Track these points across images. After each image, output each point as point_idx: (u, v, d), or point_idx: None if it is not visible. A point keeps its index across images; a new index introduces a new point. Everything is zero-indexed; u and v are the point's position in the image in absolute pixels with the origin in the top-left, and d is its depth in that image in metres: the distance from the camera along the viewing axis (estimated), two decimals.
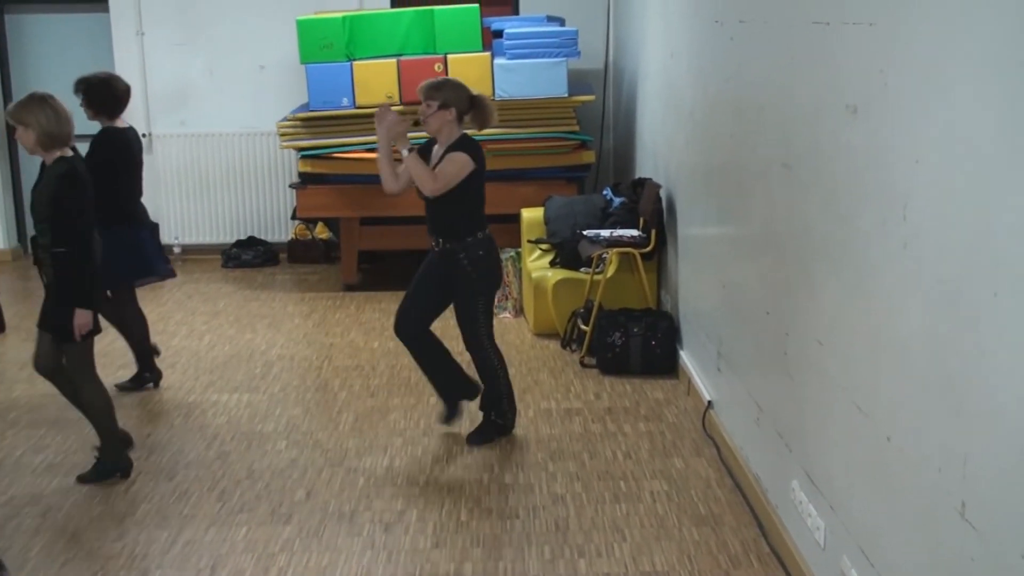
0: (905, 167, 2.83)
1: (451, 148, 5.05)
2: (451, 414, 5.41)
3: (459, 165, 4.99)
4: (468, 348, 5.26)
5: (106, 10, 9.61)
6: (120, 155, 6.03)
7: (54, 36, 9.84)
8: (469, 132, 5.18)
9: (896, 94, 2.90)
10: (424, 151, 5.19)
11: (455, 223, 5.12)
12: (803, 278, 3.75)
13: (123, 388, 6.12)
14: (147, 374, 6.21)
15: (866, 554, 3.18)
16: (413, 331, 5.28)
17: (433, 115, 5.03)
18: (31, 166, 10.01)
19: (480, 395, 5.35)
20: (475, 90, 5.18)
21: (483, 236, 5.14)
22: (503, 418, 5.32)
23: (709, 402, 5.37)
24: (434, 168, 5.04)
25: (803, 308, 3.76)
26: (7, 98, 9.86)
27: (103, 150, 6.03)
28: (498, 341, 6.78)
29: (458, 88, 5.10)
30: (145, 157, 9.65)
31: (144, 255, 6.10)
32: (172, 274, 6.41)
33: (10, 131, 9.82)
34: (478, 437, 5.28)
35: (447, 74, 7.84)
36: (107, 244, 5.48)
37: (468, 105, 5.11)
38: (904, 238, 2.84)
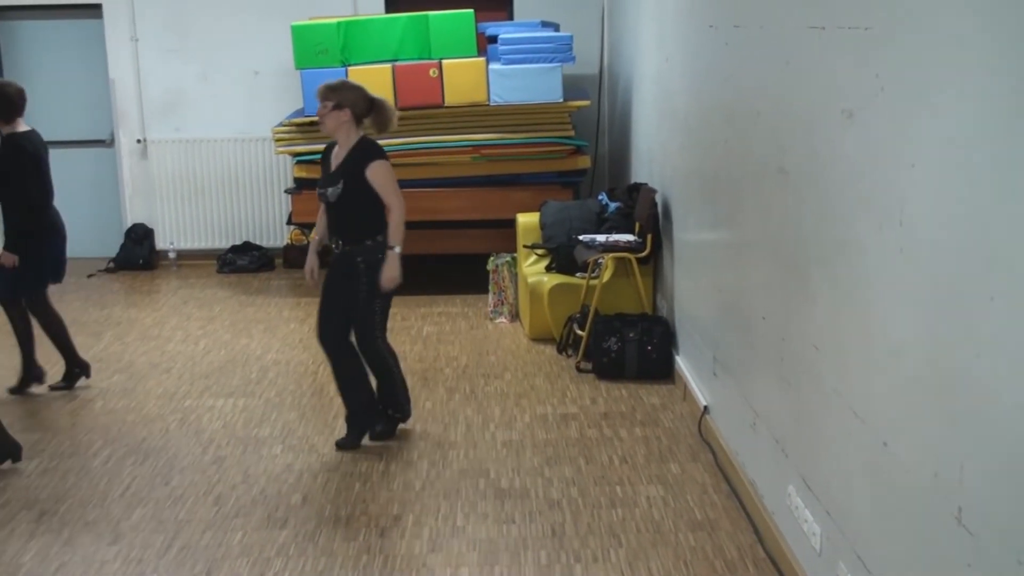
0: (901, 172, 2.84)
1: (356, 153, 5.08)
2: (349, 442, 5.31)
3: (388, 173, 5.10)
4: (360, 348, 5.25)
5: (100, 16, 9.61)
6: (31, 161, 5.92)
7: (48, 43, 9.83)
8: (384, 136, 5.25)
9: (892, 98, 2.90)
10: (327, 152, 5.26)
11: (357, 225, 5.12)
12: (799, 283, 3.75)
13: (57, 388, 6.22)
14: (76, 370, 6.29)
15: (862, 560, 3.18)
16: (335, 338, 5.24)
17: (328, 115, 5.08)
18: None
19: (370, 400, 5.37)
20: (376, 94, 5.20)
21: (383, 239, 5.13)
22: (401, 411, 5.43)
23: (705, 407, 5.37)
24: (336, 169, 5.09)
25: (799, 313, 3.77)
26: None
27: (10, 159, 5.89)
28: (494, 346, 6.80)
29: (355, 90, 5.13)
30: (140, 162, 9.79)
31: (62, 261, 6.22)
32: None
33: None
34: (381, 434, 5.35)
35: (442, 80, 7.86)
36: (30, 254, 5.61)
37: (366, 108, 5.14)
38: (900, 243, 2.84)
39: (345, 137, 5.11)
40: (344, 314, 5.23)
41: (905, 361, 2.84)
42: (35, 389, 6.20)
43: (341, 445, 5.27)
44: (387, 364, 5.33)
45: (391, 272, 5.10)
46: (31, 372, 6.21)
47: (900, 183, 2.85)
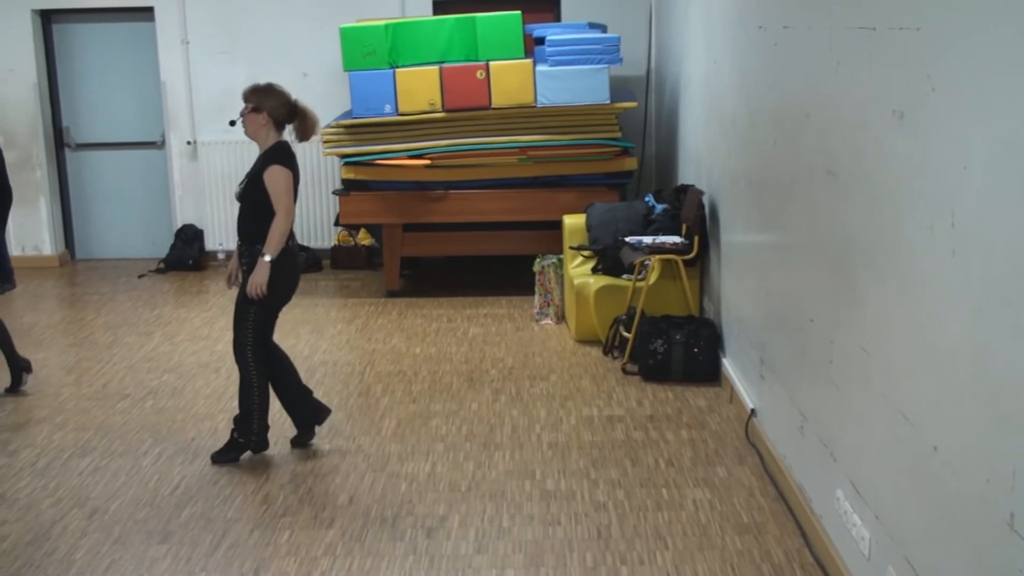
0: (953, 173, 2.81)
1: (265, 156, 5.05)
2: (300, 439, 5.38)
3: (279, 180, 4.96)
4: (234, 353, 5.17)
5: (152, 19, 9.73)
6: None
7: (101, 45, 9.97)
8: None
9: (944, 99, 2.87)
10: None
11: (250, 227, 5.07)
12: (848, 286, 3.72)
13: (10, 392, 6.28)
14: (22, 371, 6.36)
15: (912, 565, 3.15)
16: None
17: (247, 116, 5.08)
18: (79, 174, 10.15)
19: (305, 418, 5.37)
20: (299, 101, 5.17)
21: (287, 244, 5.05)
22: (247, 438, 5.18)
23: (752, 410, 5.34)
24: (254, 174, 5.05)
25: (848, 316, 3.73)
26: (55, 106, 10.00)
27: None
28: (540, 348, 6.80)
29: (277, 95, 5.11)
30: (190, 164, 9.90)
31: (8, 263, 6.34)
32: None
33: (58, 140, 9.97)
34: (220, 456, 5.22)
35: (489, 81, 7.87)
36: None
37: (286, 114, 5.11)
38: (952, 245, 2.81)
39: (263, 140, 5.08)
40: None
41: (956, 364, 2.81)
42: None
43: (214, 459, 5.22)
44: (250, 381, 5.13)
45: (257, 278, 4.94)
46: (17, 366, 6.30)
47: (952, 185, 2.81)
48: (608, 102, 7.89)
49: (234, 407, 5.95)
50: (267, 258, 4.95)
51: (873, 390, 3.47)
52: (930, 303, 2.99)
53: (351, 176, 8.17)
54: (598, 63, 7.84)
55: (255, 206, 5.02)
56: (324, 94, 9.31)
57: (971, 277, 2.71)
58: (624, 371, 6.41)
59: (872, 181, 3.46)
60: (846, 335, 3.76)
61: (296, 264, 5.17)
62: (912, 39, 3.08)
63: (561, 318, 7.61)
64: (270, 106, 5.06)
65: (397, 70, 7.98)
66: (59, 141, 10.04)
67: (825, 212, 4.00)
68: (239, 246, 5.13)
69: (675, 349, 6.17)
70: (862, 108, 3.56)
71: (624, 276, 6.92)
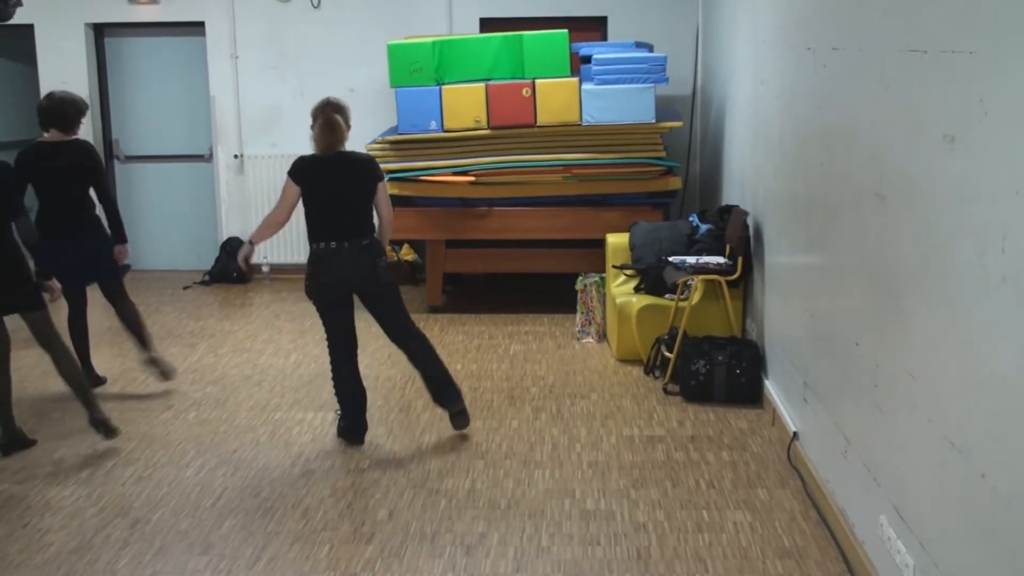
0: (1005, 198, 2.78)
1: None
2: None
3: (284, 186, 5.45)
4: None
5: (202, 34, 9.84)
6: None
7: (152, 59, 10.09)
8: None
9: (996, 124, 2.84)
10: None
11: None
12: (895, 310, 3.68)
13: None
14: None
15: None
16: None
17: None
18: (128, 185, 10.27)
19: None
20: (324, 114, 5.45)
21: (312, 248, 5.47)
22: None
23: (795, 433, 5.29)
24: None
25: (894, 340, 3.70)
26: (105, 119, 10.13)
27: None
28: (581, 366, 6.79)
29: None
30: (236, 177, 9.98)
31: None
32: None
33: (108, 152, 10.10)
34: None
35: (535, 99, 7.88)
36: None
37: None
38: (1003, 271, 2.78)
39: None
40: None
41: (1005, 391, 2.78)
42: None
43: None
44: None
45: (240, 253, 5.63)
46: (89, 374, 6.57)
47: (1003, 210, 2.78)
48: (653, 121, 7.88)
49: (277, 419, 5.99)
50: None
51: (919, 415, 3.43)
52: (979, 329, 2.95)
53: (396, 192, 8.20)
54: (644, 82, 7.84)
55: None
56: (370, 110, 9.37)
57: (1022, 303, 2.68)
58: (665, 391, 6.39)
59: (921, 205, 3.43)
60: (892, 359, 3.72)
61: (327, 266, 5.43)
62: (965, 62, 3.06)
63: (603, 337, 7.59)
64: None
65: (443, 87, 8.02)
66: (109, 153, 10.17)
67: (872, 235, 3.97)
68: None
69: (717, 370, 6.13)
70: (912, 131, 3.53)
71: (667, 296, 6.90)
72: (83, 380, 5.72)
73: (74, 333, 6.52)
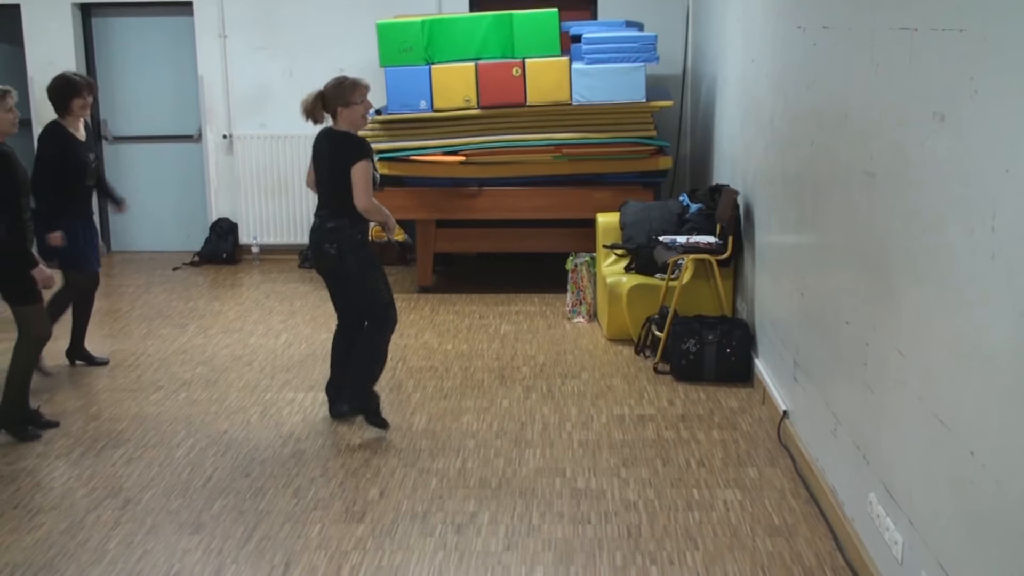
0: (995, 176, 2.78)
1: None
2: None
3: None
4: None
5: (190, 14, 9.79)
6: None
7: (140, 39, 10.04)
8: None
9: (986, 102, 2.84)
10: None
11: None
12: (885, 288, 3.69)
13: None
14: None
15: (946, 570, 3.12)
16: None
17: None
18: (116, 166, 10.22)
19: None
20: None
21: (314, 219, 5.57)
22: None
23: (784, 411, 5.31)
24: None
25: (884, 318, 3.71)
26: (93, 100, 10.05)
27: None
28: (572, 346, 6.80)
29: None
30: (225, 158, 9.95)
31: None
32: None
33: (96, 132, 10.04)
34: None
35: (525, 79, 7.86)
36: None
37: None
38: (992, 248, 2.78)
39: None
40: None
41: (995, 369, 2.78)
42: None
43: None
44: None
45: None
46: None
47: (993, 188, 2.79)
48: (644, 100, 7.87)
49: (267, 399, 5.99)
50: None
51: (909, 393, 3.44)
52: (969, 307, 2.96)
53: (385, 172, 8.18)
54: (634, 61, 7.82)
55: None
56: None
57: (1012, 281, 2.68)
58: (656, 370, 6.39)
59: (911, 183, 3.43)
60: (882, 338, 3.73)
61: (310, 239, 5.59)
62: (955, 40, 3.05)
63: (593, 316, 7.60)
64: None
65: (433, 66, 7.99)
66: (97, 134, 10.12)
67: (862, 214, 3.97)
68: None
69: (707, 349, 6.14)
70: (902, 110, 3.53)
71: (657, 275, 6.90)
72: (27, 384, 5.60)
73: (78, 313, 6.66)
